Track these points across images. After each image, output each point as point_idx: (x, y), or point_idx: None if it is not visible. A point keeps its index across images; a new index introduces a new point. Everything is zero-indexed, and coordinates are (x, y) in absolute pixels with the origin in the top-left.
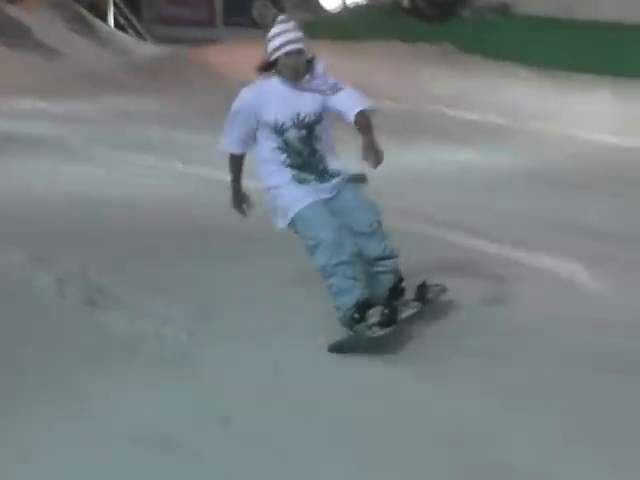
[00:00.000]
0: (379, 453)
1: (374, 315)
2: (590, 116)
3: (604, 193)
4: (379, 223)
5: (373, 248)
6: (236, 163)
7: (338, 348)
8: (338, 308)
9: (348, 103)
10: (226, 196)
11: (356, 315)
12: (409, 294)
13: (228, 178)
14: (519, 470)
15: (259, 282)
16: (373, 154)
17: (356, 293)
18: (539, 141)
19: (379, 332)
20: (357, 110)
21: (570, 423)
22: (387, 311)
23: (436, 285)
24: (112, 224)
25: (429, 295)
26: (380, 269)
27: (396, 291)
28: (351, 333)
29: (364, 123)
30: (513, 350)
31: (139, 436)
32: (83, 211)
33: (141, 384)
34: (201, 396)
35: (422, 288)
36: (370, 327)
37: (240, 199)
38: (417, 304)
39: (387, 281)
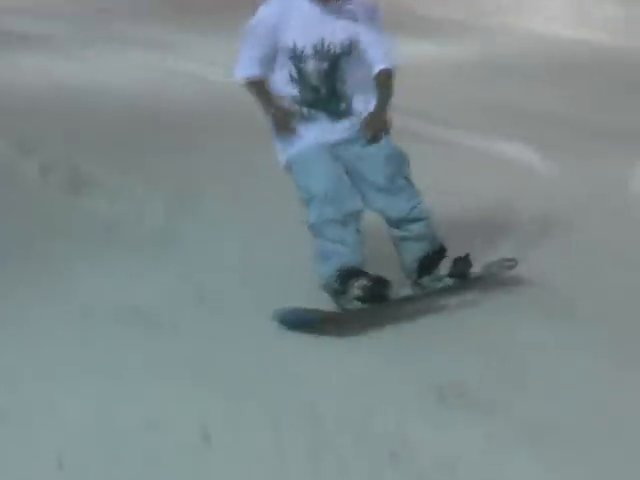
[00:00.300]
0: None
1: (357, 287)
2: (546, 10)
3: (556, 83)
4: (405, 178)
5: (395, 207)
6: (259, 90)
7: (287, 319)
8: (320, 275)
9: (376, 52)
10: (206, 88)
11: (338, 285)
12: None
13: (211, 74)
14: None
15: (239, 172)
16: (372, 129)
17: (339, 259)
18: (497, 34)
19: (357, 306)
20: (381, 67)
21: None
22: (370, 283)
23: (508, 260)
24: (95, 115)
25: (488, 271)
26: (404, 234)
27: (427, 263)
28: (337, 306)
29: (384, 85)
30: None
31: (120, 311)
32: (66, 103)
33: (122, 264)
34: (178, 274)
35: (460, 262)
36: (352, 301)
37: (285, 120)
38: (449, 281)
39: (414, 250)
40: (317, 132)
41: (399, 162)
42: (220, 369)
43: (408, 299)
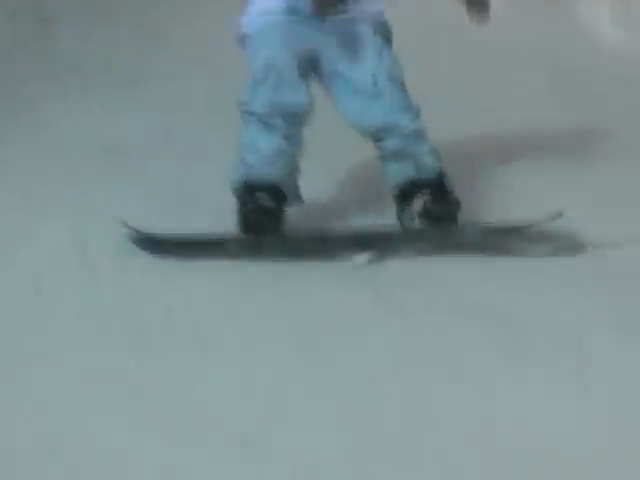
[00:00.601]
0: None
1: (242, 212)
2: None
3: None
4: (392, 81)
5: (371, 113)
6: None
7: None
8: (230, 177)
9: None
10: None
11: (238, 199)
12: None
13: None
14: None
15: (211, 14)
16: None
17: (248, 169)
18: None
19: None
20: None
21: None
22: (252, 210)
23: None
24: None
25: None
26: (381, 151)
27: (407, 192)
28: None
29: None
30: None
31: (93, 146)
32: None
33: (93, 103)
34: (148, 113)
35: (431, 198)
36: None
37: None
38: (417, 223)
39: (392, 173)
40: (286, 18)
41: (390, 64)
42: (188, 198)
43: (302, 239)
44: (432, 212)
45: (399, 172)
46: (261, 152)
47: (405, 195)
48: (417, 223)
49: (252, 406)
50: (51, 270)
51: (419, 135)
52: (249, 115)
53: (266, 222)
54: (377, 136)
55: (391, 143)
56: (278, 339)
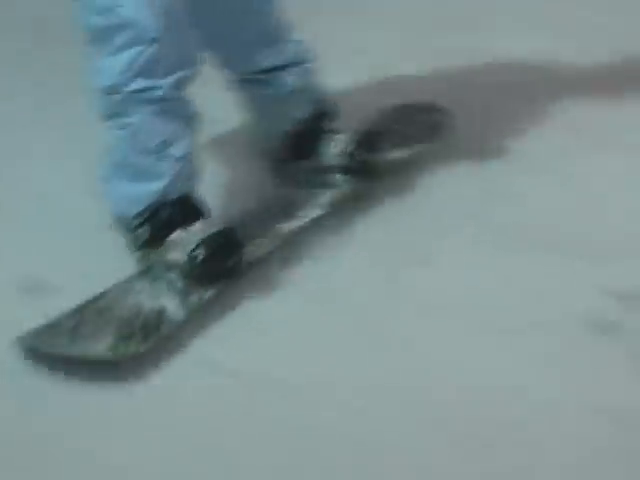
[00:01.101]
0: None
1: (199, 247)
2: None
3: None
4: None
5: (259, 26)
6: None
7: (33, 348)
8: (112, 206)
9: None
10: None
11: (147, 232)
12: None
13: None
14: None
15: None
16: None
17: (151, 186)
18: None
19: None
20: None
21: None
22: (208, 252)
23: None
24: None
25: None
26: (280, 89)
27: (309, 133)
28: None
29: None
30: None
31: None
32: None
33: None
34: None
35: (360, 150)
36: (179, 278)
37: None
38: (345, 179)
39: (282, 112)
40: None
41: None
42: None
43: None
44: (372, 164)
45: (289, 110)
46: (176, 150)
47: (300, 139)
48: (339, 179)
49: None
50: None
51: (308, 57)
52: (148, 104)
53: (228, 251)
54: (277, 71)
55: (293, 77)
56: None
